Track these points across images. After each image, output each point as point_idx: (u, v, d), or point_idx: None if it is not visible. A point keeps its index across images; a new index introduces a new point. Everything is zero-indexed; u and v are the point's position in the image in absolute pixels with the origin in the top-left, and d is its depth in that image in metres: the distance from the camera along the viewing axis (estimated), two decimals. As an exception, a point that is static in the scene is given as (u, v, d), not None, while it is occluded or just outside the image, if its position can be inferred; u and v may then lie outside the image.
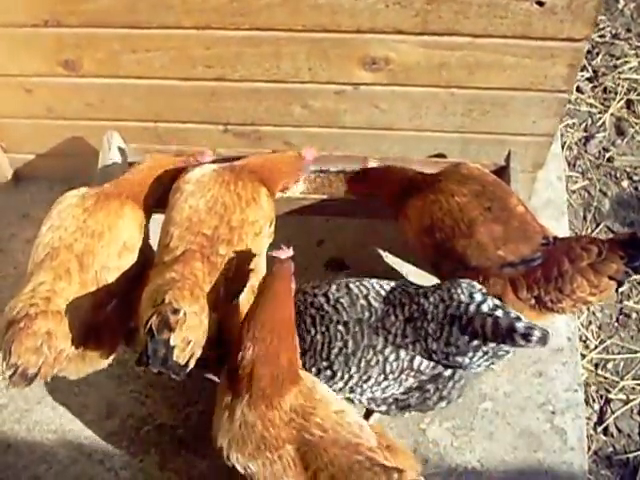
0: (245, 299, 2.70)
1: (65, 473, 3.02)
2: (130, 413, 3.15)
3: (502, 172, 3.31)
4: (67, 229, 2.76)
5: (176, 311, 2.31)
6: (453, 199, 2.82)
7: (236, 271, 2.69)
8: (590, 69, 4.51)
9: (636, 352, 3.44)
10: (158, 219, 2.92)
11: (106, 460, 3.04)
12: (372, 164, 3.30)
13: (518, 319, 2.38)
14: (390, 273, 3.46)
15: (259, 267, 2.79)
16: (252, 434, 2.32)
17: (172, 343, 2.27)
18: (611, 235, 3.79)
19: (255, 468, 2.33)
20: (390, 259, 3.52)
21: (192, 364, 2.40)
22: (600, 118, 4.30)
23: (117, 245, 2.79)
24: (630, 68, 4.49)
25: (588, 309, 3.52)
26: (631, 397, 3.32)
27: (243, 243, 2.74)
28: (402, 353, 2.56)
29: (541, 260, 2.63)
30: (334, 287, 2.68)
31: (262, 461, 2.31)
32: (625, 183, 4.04)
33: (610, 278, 2.54)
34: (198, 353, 2.44)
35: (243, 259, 2.72)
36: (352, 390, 2.66)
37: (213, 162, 3.11)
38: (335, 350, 2.60)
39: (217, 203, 2.79)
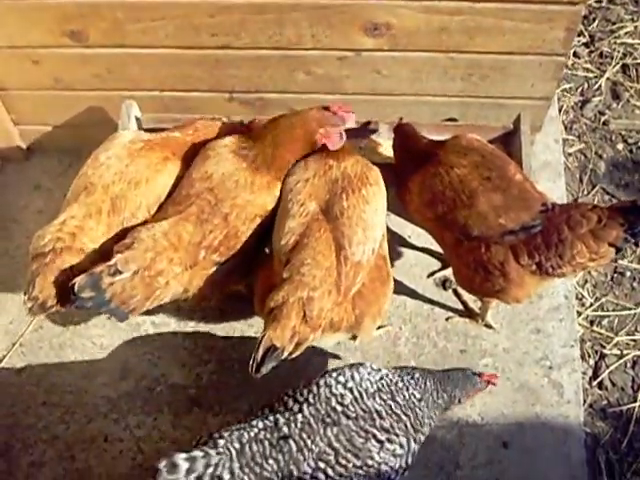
0: None
1: (82, 432, 3.06)
2: (143, 374, 3.18)
3: (511, 135, 3.31)
4: (109, 168, 2.81)
5: (116, 273, 2.44)
6: (453, 171, 2.81)
7: (219, 244, 2.72)
8: (587, 34, 4.46)
9: (630, 309, 3.46)
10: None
11: (121, 419, 3.08)
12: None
13: None
14: (393, 235, 3.47)
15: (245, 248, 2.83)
16: None
17: (107, 297, 2.44)
18: (607, 196, 3.81)
19: None
20: (393, 220, 3.51)
21: (138, 312, 2.59)
22: (596, 82, 4.26)
23: (150, 197, 2.83)
24: (626, 33, 4.44)
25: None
26: (625, 352, 3.34)
27: (240, 221, 2.76)
28: None
29: (541, 227, 2.63)
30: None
31: None
32: (620, 146, 4.02)
33: (609, 244, 2.54)
34: (148, 304, 2.60)
35: (232, 235, 2.75)
36: None
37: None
38: None
39: (231, 177, 2.80)
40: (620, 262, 3.58)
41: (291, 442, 2.33)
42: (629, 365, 3.32)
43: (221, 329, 3.28)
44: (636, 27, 4.46)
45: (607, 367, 3.30)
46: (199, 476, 2.16)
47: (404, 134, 3.18)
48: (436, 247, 3.14)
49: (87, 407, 3.11)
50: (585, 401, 3.17)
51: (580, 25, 4.16)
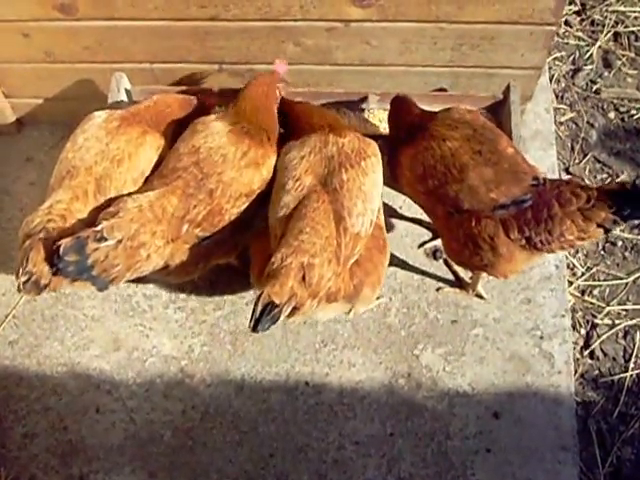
0: None
1: (75, 403, 2.99)
2: (135, 346, 3.10)
3: (500, 105, 3.19)
4: (89, 150, 2.72)
5: (101, 239, 2.34)
6: (445, 144, 2.72)
7: (202, 220, 2.63)
8: (578, 2, 4.30)
9: (621, 278, 3.36)
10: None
11: (113, 390, 3.01)
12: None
13: None
14: (384, 206, 3.32)
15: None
16: None
17: (89, 263, 2.33)
18: (598, 165, 3.71)
19: None
20: (384, 191, 3.36)
21: (118, 282, 2.48)
22: (588, 51, 4.12)
23: (135, 173, 2.74)
24: (617, 1, 4.29)
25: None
26: (616, 322, 3.24)
27: (224, 199, 2.67)
28: None
29: (531, 201, 2.54)
30: None
31: None
32: (612, 114, 3.89)
33: (598, 225, 2.45)
34: (128, 276, 2.50)
35: (216, 212, 2.66)
36: None
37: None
38: None
39: (219, 151, 2.72)
40: (612, 232, 3.46)
41: None
42: (620, 335, 3.22)
43: (212, 301, 3.18)
44: (628, -5, 4.30)
45: (598, 337, 3.20)
46: None
47: (399, 106, 3.07)
48: (427, 218, 3.03)
49: (79, 378, 3.04)
50: (576, 371, 3.10)
51: (572, -6, 4.04)
